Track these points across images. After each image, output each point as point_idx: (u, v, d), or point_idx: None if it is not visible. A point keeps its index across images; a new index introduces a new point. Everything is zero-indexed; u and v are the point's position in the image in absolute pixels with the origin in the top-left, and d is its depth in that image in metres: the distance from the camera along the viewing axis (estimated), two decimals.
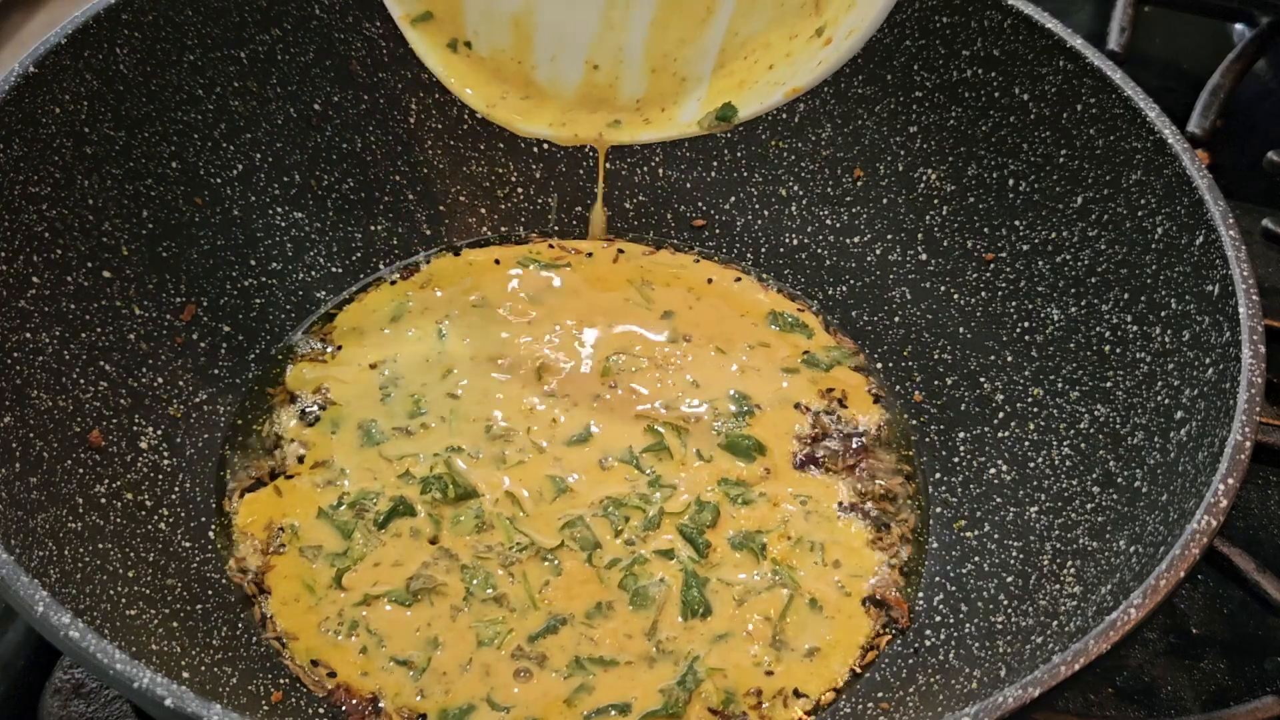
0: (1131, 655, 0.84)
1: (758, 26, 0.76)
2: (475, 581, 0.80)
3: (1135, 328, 0.81)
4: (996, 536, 0.83)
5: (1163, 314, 0.79)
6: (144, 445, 0.82)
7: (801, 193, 1.01)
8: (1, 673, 0.78)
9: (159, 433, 0.84)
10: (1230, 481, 0.65)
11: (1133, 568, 0.69)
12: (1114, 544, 0.73)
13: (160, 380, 0.86)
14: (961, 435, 0.90)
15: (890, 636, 0.80)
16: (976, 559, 0.82)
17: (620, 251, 1.03)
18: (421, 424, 0.89)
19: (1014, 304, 0.90)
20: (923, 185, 0.96)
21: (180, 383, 0.87)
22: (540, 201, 1.04)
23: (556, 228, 1.04)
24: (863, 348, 0.97)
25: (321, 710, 0.75)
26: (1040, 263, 0.89)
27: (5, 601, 0.61)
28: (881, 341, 0.97)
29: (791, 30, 0.74)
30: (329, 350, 0.94)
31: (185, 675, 0.69)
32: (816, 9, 0.73)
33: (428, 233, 1.02)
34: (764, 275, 1.02)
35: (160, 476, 0.82)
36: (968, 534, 0.84)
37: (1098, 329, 0.84)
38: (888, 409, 0.93)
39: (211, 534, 0.82)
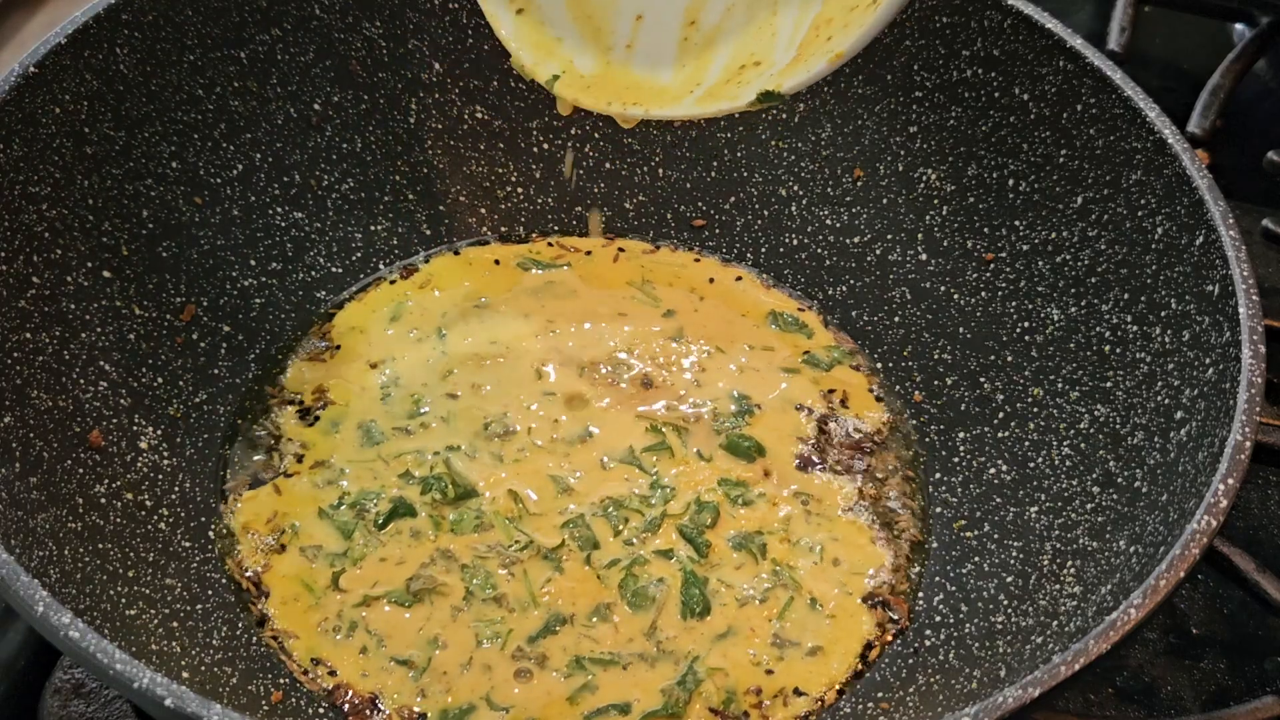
0: (1131, 655, 0.84)
1: (825, 6, 0.76)
2: (475, 581, 0.80)
3: (1135, 328, 0.81)
4: (996, 536, 0.83)
5: (1163, 314, 0.79)
6: (144, 445, 0.82)
7: (801, 193, 1.01)
8: (1, 673, 0.78)
9: (159, 433, 0.84)
10: (1230, 481, 0.65)
11: (1133, 568, 0.69)
12: (1114, 544, 0.73)
13: (160, 380, 0.86)
14: (961, 435, 0.90)
15: (890, 636, 0.81)
16: (976, 559, 0.82)
17: (620, 251, 1.03)
18: (421, 424, 0.89)
19: (1014, 304, 0.90)
20: (923, 185, 0.96)
21: (180, 383, 0.87)
22: (540, 201, 1.04)
23: (556, 227, 1.04)
24: (863, 348, 0.97)
25: (321, 710, 0.75)
26: (1040, 263, 0.89)
27: (5, 601, 0.61)
28: (881, 341, 0.97)
29: (852, 3, 0.73)
30: (329, 350, 0.94)
31: (185, 675, 0.69)
32: None
33: (428, 233, 1.02)
34: (764, 275, 1.02)
35: (160, 476, 0.82)
36: (968, 534, 0.84)
37: (1098, 329, 0.84)
38: (888, 409, 0.93)
39: (211, 534, 0.82)
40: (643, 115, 0.79)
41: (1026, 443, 0.86)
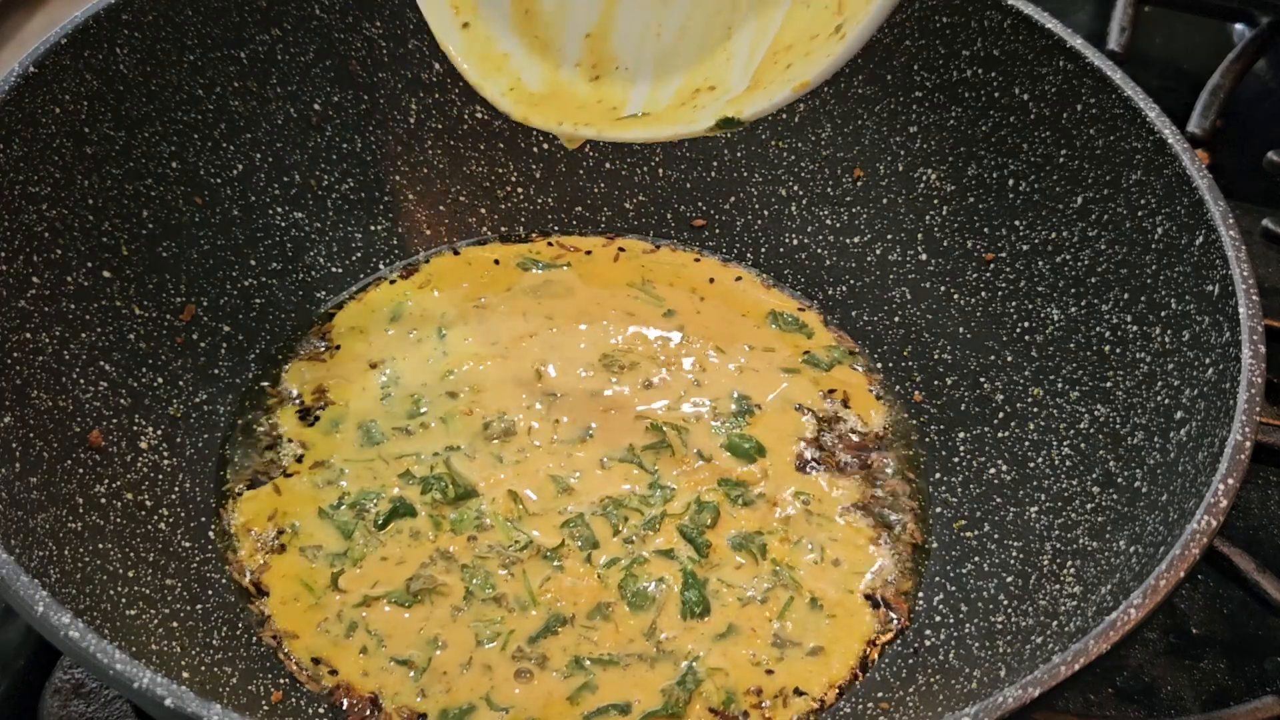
0: (1131, 655, 0.84)
1: (782, 33, 0.75)
2: (475, 581, 0.80)
3: (1135, 328, 0.81)
4: (996, 536, 0.83)
5: (1163, 314, 0.79)
6: (144, 445, 0.82)
7: (801, 193, 1.01)
8: (1, 673, 0.78)
9: (159, 433, 0.84)
10: (1230, 481, 0.65)
11: (1133, 568, 0.69)
12: (1114, 544, 0.73)
13: (160, 380, 0.86)
14: (961, 435, 0.90)
15: (890, 636, 0.81)
16: (976, 559, 0.82)
17: (620, 250, 1.03)
18: (421, 424, 0.89)
19: (1014, 304, 0.90)
20: (923, 185, 0.96)
21: (180, 383, 0.87)
22: (540, 201, 1.04)
23: (556, 227, 1.04)
24: (863, 348, 0.97)
25: (321, 710, 0.75)
26: (1040, 263, 0.89)
27: (5, 601, 0.61)
28: (881, 341, 0.97)
29: (813, 31, 0.73)
30: (329, 350, 0.94)
31: (185, 675, 0.69)
32: (839, 8, 0.71)
33: (428, 233, 1.02)
34: (764, 275, 1.02)
35: (160, 476, 0.82)
36: (968, 534, 0.84)
37: (1098, 329, 0.84)
38: (888, 409, 0.93)
39: (211, 534, 0.82)
40: (594, 136, 0.77)
41: (1026, 443, 0.86)
